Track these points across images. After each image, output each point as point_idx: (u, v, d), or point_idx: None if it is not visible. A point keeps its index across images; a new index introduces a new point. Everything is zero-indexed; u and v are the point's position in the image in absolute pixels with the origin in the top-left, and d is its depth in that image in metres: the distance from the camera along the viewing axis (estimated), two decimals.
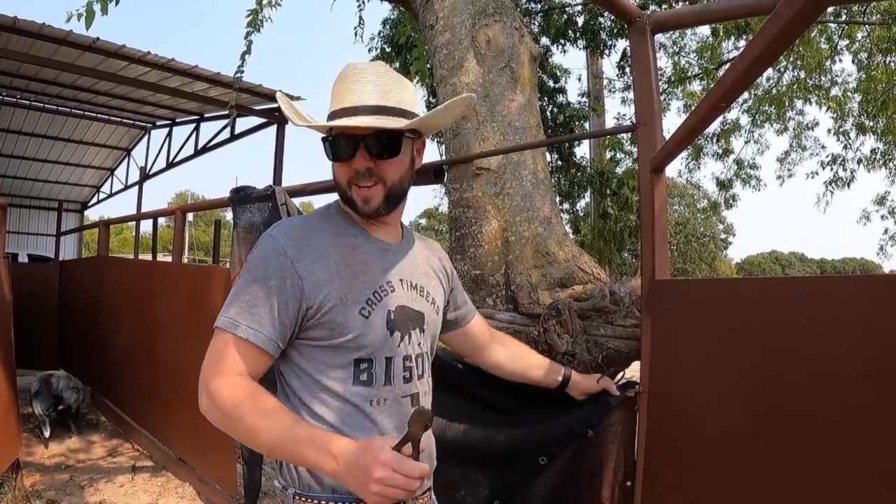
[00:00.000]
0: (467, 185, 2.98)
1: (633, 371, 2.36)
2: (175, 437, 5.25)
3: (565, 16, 10.63)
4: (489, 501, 2.56)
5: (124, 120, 15.82)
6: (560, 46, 10.93)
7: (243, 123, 12.79)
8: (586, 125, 11.71)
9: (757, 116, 12.57)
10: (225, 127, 13.29)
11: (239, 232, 3.75)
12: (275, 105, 11.53)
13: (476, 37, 3.09)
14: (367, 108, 1.52)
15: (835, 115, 11.87)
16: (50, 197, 21.07)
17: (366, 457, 1.27)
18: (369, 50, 12.02)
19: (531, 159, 2.97)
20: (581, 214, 12.62)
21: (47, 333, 8.30)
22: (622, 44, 10.79)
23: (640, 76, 2.27)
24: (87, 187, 22.08)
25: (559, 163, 11.45)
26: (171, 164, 15.60)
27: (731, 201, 14.00)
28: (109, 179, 21.07)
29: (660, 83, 10.50)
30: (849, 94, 11.65)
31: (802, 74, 11.11)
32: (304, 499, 1.51)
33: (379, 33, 11.95)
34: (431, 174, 3.21)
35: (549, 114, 11.09)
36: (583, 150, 12.21)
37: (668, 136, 2.00)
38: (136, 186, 16.72)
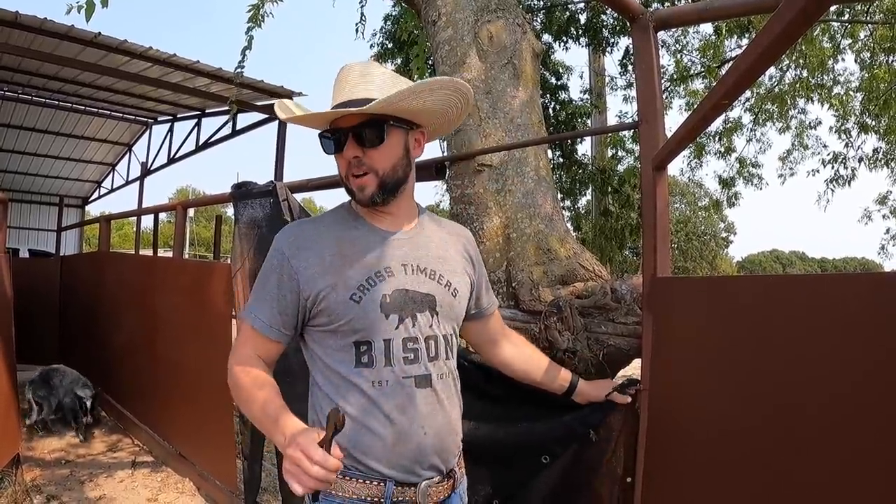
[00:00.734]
0: (469, 181, 2.98)
1: (635, 369, 2.36)
2: (175, 432, 5.26)
3: (568, 13, 10.62)
4: (488, 500, 2.56)
5: (125, 115, 15.84)
6: (562, 44, 10.93)
7: (245, 119, 12.82)
8: (588, 122, 11.69)
9: (759, 115, 12.55)
10: (226, 122, 13.30)
11: (240, 227, 3.74)
12: (277, 101, 11.51)
13: (478, 33, 3.08)
14: (353, 101, 1.63)
15: (837, 114, 11.85)
16: (51, 192, 21.10)
17: (295, 439, 1.35)
18: (371, 46, 12.00)
19: (533, 156, 2.97)
20: (583, 212, 12.61)
21: (48, 328, 8.31)
22: (624, 41, 10.78)
23: (642, 74, 2.26)
24: (89, 182, 22.12)
25: (561, 160, 11.43)
26: (172, 160, 15.61)
27: (733, 200, 13.99)
28: (110, 175, 21.11)
29: (662, 81, 10.49)
30: (851, 92, 11.63)
31: (805, 73, 11.09)
32: None
33: (381, 29, 11.92)
34: (433, 171, 3.21)
35: (551, 111, 11.07)
36: (584, 148, 12.20)
37: (670, 135, 2.00)
38: (138, 182, 16.73)
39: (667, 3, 9.24)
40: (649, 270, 2.15)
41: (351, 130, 1.63)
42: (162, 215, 9.14)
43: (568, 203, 12.18)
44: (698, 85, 12.06)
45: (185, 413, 4.88)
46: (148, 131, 17.00)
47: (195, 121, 14.44)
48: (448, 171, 3.15)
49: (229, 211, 4.46)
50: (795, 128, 13.03)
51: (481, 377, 2.60)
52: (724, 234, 46.35)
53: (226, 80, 10.42)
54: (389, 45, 11.58)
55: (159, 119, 16.10)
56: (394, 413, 1.60)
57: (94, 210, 24.73)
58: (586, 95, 12.60)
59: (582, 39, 10.81)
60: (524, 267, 2.77)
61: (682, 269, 35.56)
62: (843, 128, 11.92)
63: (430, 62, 4.18)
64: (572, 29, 10.63)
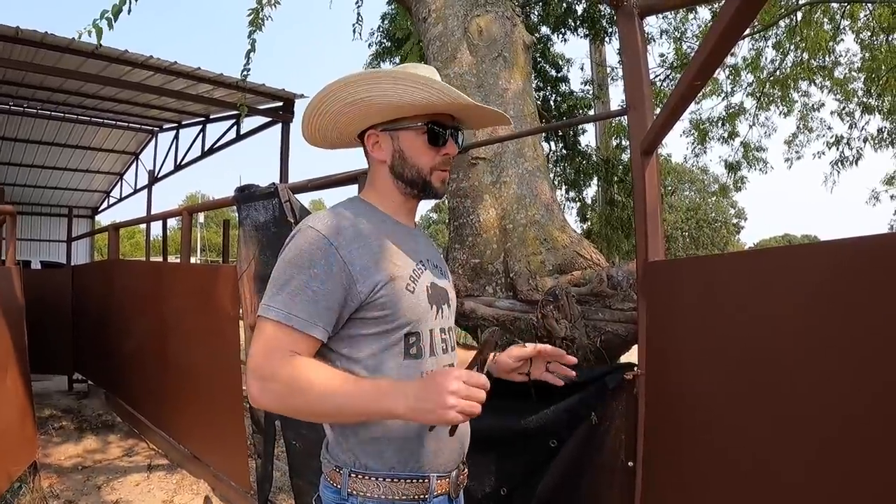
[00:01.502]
0: (464, 174, 3.01)
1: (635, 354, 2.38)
2: (189, 435, 5.30)
3: (564, 4, 10.61)
4: (496, 490, 2.59)
5: (131, 124, 15.89)
6: (560, 35, 10.92)
7: (249, 123, 12.84)
8: (590, 113, 11.69)
9: (762, 99, 12.50)
10: (231, 127, 13.34)
11: (245, 230, 3.79)
12: (279, 104, 11.57)
13: (468, 27, 3.11)
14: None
15: (839, 98, 11.81)
16: (61, 204, 21.19)
17: (436, 379, 1.36)
18: (369, 45, 12.05)
19: (527, 147, 2.99)
20: (589, 202, 12.60)
21: (62, 338, 8.36)
22: None
23: (628, 60, 2.28)
24: (97, 193, 22.24)
25: (564, 151, 11.44)
26: (179, 167, 15.66)
27: (739, 184, 13.95)
28: (119, 184, 21.20)
29: (664, 68, 10.44)
30: (853, 73, 11.58)
31: (806, 56, 11.04)
32: (361, 476, 1.57)
33: (378, 28, 11.95)
34: None
35: (552, 103, 11.08)
36: (588, 138, 12.20)
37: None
38: (146, 190, 16.79)
39: None
40: (642, 255, 2.16)
41: (455, 131, 1.71)
42: (172, 222, 9.20)
43: (573, 194, 12.18)
44: None
45: (198, 415, 4.92)
46: (154, 139, 17.07)
47: (200, 127, 14.49)
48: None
49: (237, 215, 4.46)
50: (799, 111, 12.98)
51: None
52: (734, 220, 46.12)
53: (228, 85, 10.46)
54: (387, 44, 11.60)
55: (165, 127, 16.14)
56: None
57: (104, 220, 24.78)
58: (587, 86, 12.58)
59: (580, 30, 10.80)
60: (521, 257, 2.79)
61: (693, 256, 35.43)
62: (845, 110, 11.88)
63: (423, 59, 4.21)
64: (570, 20, 10.62)
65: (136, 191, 19.48)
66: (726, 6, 1.03)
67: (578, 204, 12.42)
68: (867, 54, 10.83)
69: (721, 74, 12.31)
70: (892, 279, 0.76)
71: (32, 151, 17.08)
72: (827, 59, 11.35)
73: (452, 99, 1.59)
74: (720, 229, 43.05)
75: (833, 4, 10.47)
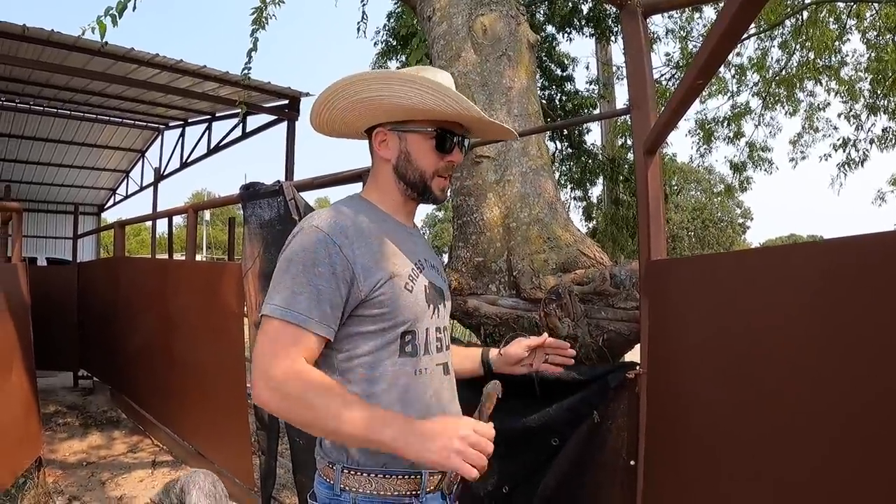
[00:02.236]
0: (468, 173, 3.01)
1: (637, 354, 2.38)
2: (193, 431, 5.32)
3: (570, 3, 10.59)
4: (498, 488, 2.60)
5: (137, 122, 15.94)
6: (566, 35, 10.91)
7: (254, 121, 12.87)
8: (596, 112, 11.68)
9: (767, 99, 12.47)
10: (237, 125, 13.36)
11: (250, 227, 3.80)
12: (284, 102, 11.58)
13: (473, 26, 3.11)
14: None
15: (845, 100, 11.78)
16: (66, 201, 21.28)
17: (448, 421, 1.39)
18: (375, 44, 12.03)
19: (532, 145, 3.00)
20: (594, 202, 12.59)
21: (67, 334, 8.39)
22: None
23: (632, 59, 2.28)
24: (103, 190, 22.30)
25: (569, 150, 11.43)
26: (185, 164, 15.69)
27: (745, 184, 13.92)
28: (125, 181, 21.25)
29: (669, 68, 10.42)
30: (860, 73, 11.55)
31: (811, 55, 11.01)
32: (354, 472, 1.57)
33: (384, 27, 11.94)
34: None
35: (557, 102, 11.07)
36: (593, 137, 12.20)
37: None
38: (152, 187, 16.83)
39: None
40: (645, 253, 2.17)
41: (463, 139, 1.73)
42: (178, 219, 9.23)
43: (578, 193, 12.18)
44: None
45: (202, 412, 4.94)
46: (160, 137, 17.11)
47: (206, 125, 14.52)
48: None
49: (242, 212, 4.47)
50: (805, 111, 12.95)
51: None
52: (740, 220, 46.05)
53: (234, 83, 10.48)
54: (393, 43, 11.60)
55: (171, 124, 16.17)
56: (432, 400, 1.65)
57: (110, 217, 24.88)
58: (593, 86, 12.56)
59: (586, 29, 10.79)
60: (524, 256, 2.80)
61: None
62: (851, 112, 11.85)
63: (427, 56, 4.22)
64: (575, 19, 10.61)
65: (141, 188, 19.54)
66: (727, 6, 1.03)
67: (584, 203, 12.41)
68: (873, 54, 10.81)
69: (727, 74, 12.30)
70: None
71: (39, 149, 17.14)
72: (833, 58, 11.32)
73: (464, 109, 1.61)
74: (726, 229, 43.01)
75: (839, 4, 10.44)
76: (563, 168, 11.67)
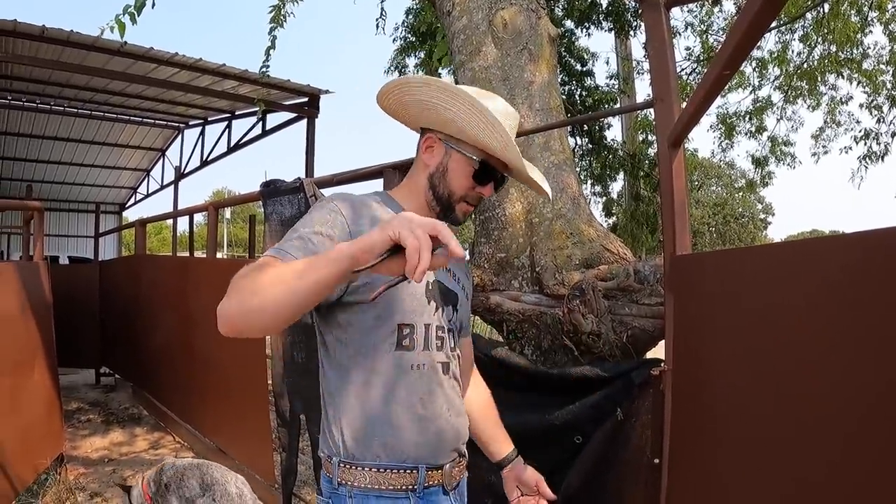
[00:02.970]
0: None
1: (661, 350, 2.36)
2: (214, 428, 5.34)
3: None
4: None
5: (157, 121, 16.09)
6: (585, 29, 10.84)
7: (274, 119, 12.93)
8: (616, 107, 11.62)
9: (789, 93, 12.35)
10: (257, 123, 13.43)
11: (271, 224, 3.80)
12: (304, 99, 11.61)
13: (493, 20, 3.09)
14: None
15: (867, 91, 11.65)
16: (88, 200, 21.49)
17: (405, 218, 1.20)
18: (394, 40, 12.00)
19: (554, 140, 2.98)
20: (614, 197, 12.52)
21: (89, 332, 8.47)
22: None
23: (655, 52, 2.25)
24: (125, 189, 22.52)
25: (590, 146, 11.37)
26: (205, 163, 15.82)
27: (766, 179, 13.79)
28: (146, 180, 21.43)
29: (690, 62, 10.35)
30: (882, 66, 11.42)
31: (833, 48, 10.90)
32: (350, 466, 1.58)
33: (402, 23, 11.93)
34: None
35: (577, 97, 11.01)
36: (613, 133, 12.14)
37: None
38: (172, 186, 16.95)
39: None
40: (669, 249, 2.14)
41: (501, 177, 1.76)
42: (199, 217, 9.28)
43: (598, 188, 12.11)
44: None
45: (223, 409, 4.95)
46: (180, 136, 17.23)
47: (226, 123, 14.61)
48: None
49: (263, 210, 4.47)
50: (826, 104, 12.81)
51: (502, 370, 2.64)
52: (762, 216, 45.76)
53: (253, 81, 10.53)
54: (412, 39, 11.58)
55: (191, 123, 16.30)
56: (427, 396, 1.63)
57: (131, 215, 25.14)
58: (613, 80, 12.50)
59: (605, 24, 10.73)
60: (547, 251, 2.78)
61: None
62: (873, 104, 11.71)
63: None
64: (594, 14, 10.55)
65: (162, 187, 19.70)
66: None
67: (604, 198, 12.35)
68: (895, 46, 10.68)
69: (748, 67, 12.18)
70: None
71: (60, 148, 17.32)
72: (855, 51, 11.20)
73: (508, 159, 1.65)
74: (747, 224, 42.75)
75: None
76: (584, 164, 11.61)
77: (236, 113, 14.13)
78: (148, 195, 21.44)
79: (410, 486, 1.59)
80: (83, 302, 8.46)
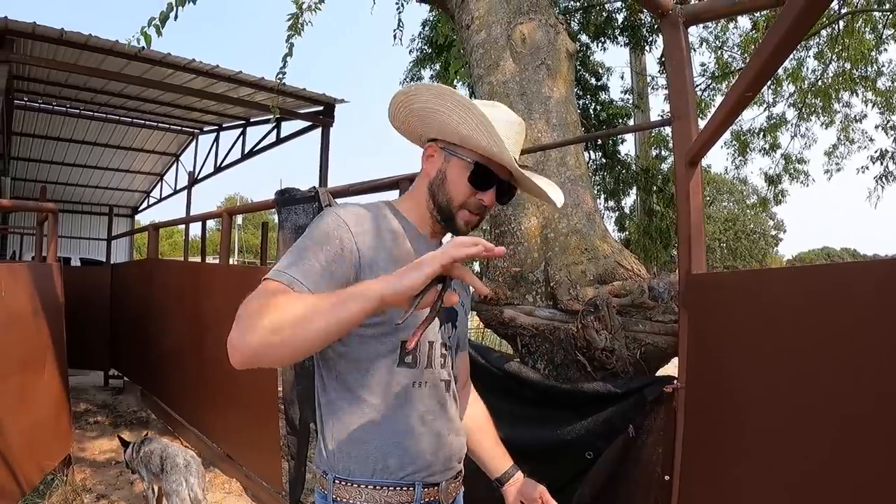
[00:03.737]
0: None
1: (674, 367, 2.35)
2: (222, 434, 5.35)
3: (605, 13, 10.55)
4: None
5: (172, 126, 16.15)
6: (600, 44, 10.86)
7: (289, 127, 12.97)
8: (630, 122, 11.61)
9: (803, 110, 12.33)
10: (271, 131, 13.47)
11: (285, 233, 3.81)
12: (319, 108, 11.64)
13: (512, 35, 3.11)
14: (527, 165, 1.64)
15: (882, 110, 11.62)
16: (101, 202, 21.58)
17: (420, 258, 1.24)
18: (410, 52, 12.04)
19: (570, 155, 2.98)
20: (627, 212, 12.51)
21: (100, 334, 8.50)
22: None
23: (673, 70, 2.26)
24: (138, 192, 22.60)
25: (603, 160, 11.37)
26: (219, 169, 15.86)
27: (779, 197, 13.75)
28: (159, 185, 21.51)
29: (704, 78, 10.33)
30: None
31: (848, 66, 10.88)
32: (345, 483, 1.54)
33: (419, 34, 11.97)
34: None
35: (591, 111, 11.01)
36: (627, 148, 12.12)
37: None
38: (185, 191, 17.01)
39: None
40: (684, 266, 2.14)
41: (501, 184, 1.64)
42: (211, 223, 9.33)
43: (611, 203, 12.10)
44: None
45: (232, 415, 4.96)
46: (194, 141, 17.30)
47: (240, 130, 14.66)
48: None
49: (276, 217, 4.50)
50: (840, 122, 12.78)
51: (514, 384, 2.64)
52: (773, 232, 45.59)
53: (268, 89, 10.56)
54: (428, 51, 11.62)
55: (205, 129, 16.36)
56: (428, 414, 1.60)
57: (143, 219, 25.18)
58: (628, 95, 12.50)
59: (620, 39, 10.74)
60: (562, 266, 2.78)
61: (731, 268, 34.93)
62: (889, 124, 11.68)
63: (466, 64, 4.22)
64: (609, 29, 10.57)
65: (175, 191, 19.77)
66: (785, 13, 1.01)
67: (616, 213, 12.34)
68: None
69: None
70: None
71: (75, 151, 17.41)
72: (869, 69, 11.18)
73: (503, 160, 1.57)
74: (758, 241, 42.59)
75: (875, 14, 10.31)
76: (597, 178, 11.61)
77: (251, 120, 14.18)
78: (161, 199, 21.52)
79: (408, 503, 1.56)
80: (94, 304, 8.49)
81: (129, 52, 8.91)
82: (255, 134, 14.22)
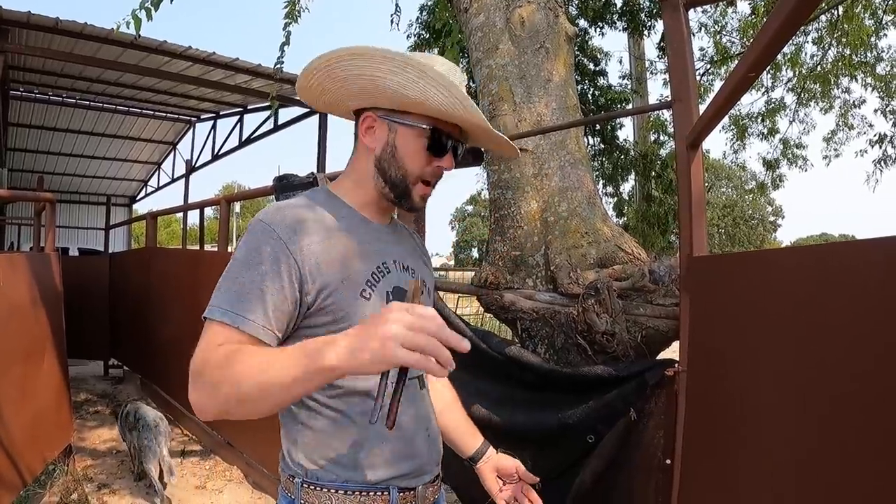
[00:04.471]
0: (505, 166, 2.99)
1: (674, 351, 2.35)
2: (223, 422, 5.32)
3: None
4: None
5: (169, 114, 16.07)
6: (599, 29, 10.84)
7: (286, 114, 12.93)
8: (629, 107, 11.60)
9: (802, 95, 12.32)
10: (269, 118, 13.42)
11: None
12: None
13: (511, 18, 3.09)
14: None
15: (881, 95, 11.61)
16: (99, 192, 21.52)
17: (374, 318, 1.10)
18: (408, 37, 12.02)
19: (570, 139, 2.97)
20: (625, 198, 12.51)
21: (99, 324, 8.50)
22: (662, 24, 10.63)
23: (674, 53, 2.25)
24: (135, 182, 22.52)
25: (602, 146, 11.37)
26: (216, 157, 15.82)
27: (777, 182, 13.75)
28: (156, 173, 21.44)
29: (703, 63, 10.33)
30: (895, 71, 11.39)
31: (847, 51, 10.86)
32: (312, 487, 1.45)
33: (417, 19, 11.93)
34: (470, 157, 3.21)
35: (590, 96, 11.00)
36: (625, 133, 12.13)
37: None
38: (183, 179, 16.97)
39: None
40: (686, 249, 2.14)
41: (459, 145, 1.53)
42: (209, 211, 9.31)
43: (610, 189, 12.11)
44: None
45: None
46: (192, 129, 17.23)
47: (237, 117, 14.62)
48: (485, 157, 3.16)
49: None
50: (839, 107, 12.78)
51: (515, 368, 2.63)
52: (771, 218, 45.61)
53: (266, 75, 10.51)
54: (426, 36, 11.58)
55: (202, 117, 16.29)
56: (401, 416, 1.44)
57: (141, 208, 25.12)
58: (626, 80, 12.50)
59: (619, 24, 10.72)
60: (562, 250, 2.77)
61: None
62: (888, 108, 11.68)
63: (464, 51, 4.19)
64: (608, 14, 10.55)
65: (173, 180, 19.71)
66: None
67: (615, 199, 12.34)
68: None
69: None
70: None
71: (71, 140, 17.34)
72: (869, 54, 11.16)
73: (470, 114, 1.42)
74: (757, 227, 42.61)
75: None
76: (595, 164, 11.60)
77: (248, 107, 14.13)
78: (158, 188, 21.46)
79: None
80: (93, 294, 8.49)
81: (125, 41, 8.86)
82: (252, 121, 14.14)
